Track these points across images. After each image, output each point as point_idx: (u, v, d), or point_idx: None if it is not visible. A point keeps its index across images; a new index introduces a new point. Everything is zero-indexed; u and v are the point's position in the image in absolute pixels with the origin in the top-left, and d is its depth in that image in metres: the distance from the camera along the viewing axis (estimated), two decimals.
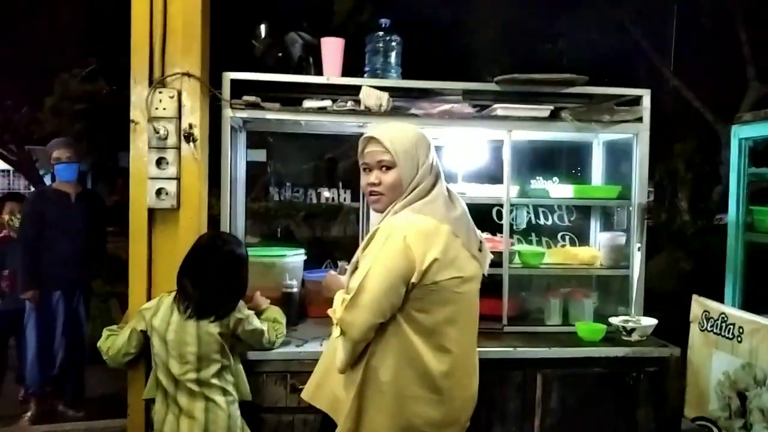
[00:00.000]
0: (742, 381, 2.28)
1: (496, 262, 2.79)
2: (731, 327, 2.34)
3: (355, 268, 1.92)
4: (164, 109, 2.38)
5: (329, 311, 1.92)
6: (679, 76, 7.76)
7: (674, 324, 2.73)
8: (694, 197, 7.68)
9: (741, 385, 2.29)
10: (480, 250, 2.01)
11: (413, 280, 1.80)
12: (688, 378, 2.55)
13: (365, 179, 2.00)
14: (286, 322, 2.57)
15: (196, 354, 2.24)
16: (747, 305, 2.86)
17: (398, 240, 1.81)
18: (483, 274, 2.05)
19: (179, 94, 2.39)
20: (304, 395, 2.08)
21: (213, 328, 2.25)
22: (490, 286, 2.93)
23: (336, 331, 1.85)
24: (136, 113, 2.39)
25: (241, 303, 2.36)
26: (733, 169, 3.08)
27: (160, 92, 2.38)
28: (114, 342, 2.36)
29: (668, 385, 2.56)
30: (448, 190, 2.00)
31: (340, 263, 2.66)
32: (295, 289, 2.81)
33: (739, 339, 2.30)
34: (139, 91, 2.38)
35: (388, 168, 1.93)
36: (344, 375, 1.91)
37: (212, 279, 2.26)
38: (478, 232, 2.05)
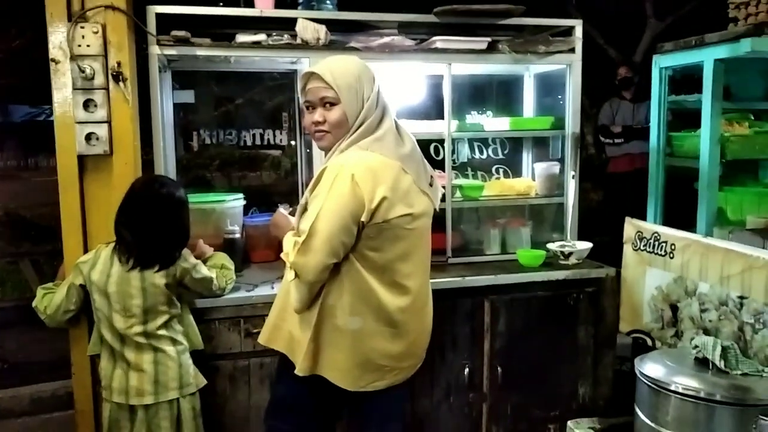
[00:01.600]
0: (674, 293, 2.46)
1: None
2: (664, 245, 2.49)
3: (304, 209, 1.88)
4: (88, 45, 2.18)
5: (282, 255, 1.88)
6: (583, 13, 7.99)
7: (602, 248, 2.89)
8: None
9: (673, 297, 2.46)
10: (431, 185, 2.01)
11: (363, 219, 1.79)
12: (622, 295, 2.71)
13: (309, 118, 1.94)
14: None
15: (141, 307, 2.14)
16: (666, 225, 3.05)
17: (346, 179, 1.78)
18: (435, 209, 2.06)
19: (104, 28, 2.20)
20: (260, 339, 2.06)
21: (158, 279, 2.15)
22: (433, 221, 2.99)
23: (290, 274, 1.84)
24: (56, 51, 2.18)
25: (186, 251, 2.26)
26: (654, 97, 3.24)
27: (81, 27, 2.17)
28: (51, 300, 2.21)
29: (605, 303, 2.73)
30: (397, 125, 1.97)
31: (280, 206, 2.60)
32: (237, 235, 2.72)
33: (671, 255, 2.46)
34: (57, 27, 2.17)
35: (332, 104, 1.88)
36: (300, 315, 1.90)
37: (152, 225, 2.14)
38: (429, 167, 2.04)
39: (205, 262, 2.38)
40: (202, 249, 2.49)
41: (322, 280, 1.84)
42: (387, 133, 1.90)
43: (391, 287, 1.89)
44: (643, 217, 2.74)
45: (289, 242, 1.89)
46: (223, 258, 2.47)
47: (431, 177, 2.02)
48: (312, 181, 1.89)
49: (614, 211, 5.68)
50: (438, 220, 2.85)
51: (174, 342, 2.20)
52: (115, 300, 2.13)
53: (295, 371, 1.90)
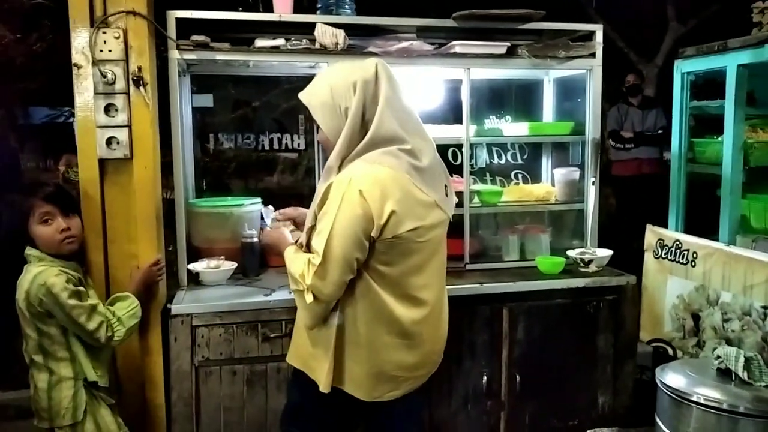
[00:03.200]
0: (695, 302, 2.42)
1: (456, 203, 2.81)
2: (685, 253, 2.46)
3: (312, 225, 1.85)
4: (110, 51, 2.19)
5: (297, 276, 1.81)
6: (603, 16, 7.92)
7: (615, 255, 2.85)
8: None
9: (695, 306, 2.43)
10: (446, 195, 1.96)
11: (373, 234, 1.75)
12: (643, 304, 2.69)
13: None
14: (245, 271, 2.46)
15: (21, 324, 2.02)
16: (688, 233, 3.02)
17: (354, 194, 1.73)
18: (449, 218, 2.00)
19: (125, 34, 2.21)
20: (287, 358, 2.06)
21: (21, 299, 1.97)
22: (451, 227, 2.98)
23: (308, 296, 1.79)
24: (79, 56, 2.19)
25: (59, 281, 1.94)
26: (676, 103, 3.21)
27: (104, 32, 2.19)
28: None
29: (625, 311, 2.69)
30: (421, 133, 1.89)
31: (265, 218, 2.54)
32: (254, 239, 2.73)
33: (693, 264, 2.43)
34: (79, 32, 2.18)
35: (319, 126, 1.87)
36: (315, 332, 1.89)
37: None
38: (447, 174, 1.99)
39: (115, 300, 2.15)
40: (139, 277, 2.25)
41: (338, 297, 1.83)
42: (400, 147, 1.80)
43: (405, 300, 1.86)
44: (657, 223, 2.70)
45: (297, 261, 1.85)
46: (126, 308, 2.11)
47: (445, 186, 1.96)
48: (318, 196, 1.84)
49: (624, 216, 5.71)
50: (456, 225, 2.84)
51: (49, 371, 2.01)
52: None
53: (320, 389, 1.87)
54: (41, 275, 1.95)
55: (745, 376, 1.92)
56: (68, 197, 2.11)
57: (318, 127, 1.88)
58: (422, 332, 1.91)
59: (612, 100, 6.54)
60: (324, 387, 1.87)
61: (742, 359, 1.94)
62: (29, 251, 2.02)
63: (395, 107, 1.83)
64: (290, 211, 2.31)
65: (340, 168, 1.83)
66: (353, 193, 1.73)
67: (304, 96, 1.87)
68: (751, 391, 1.88)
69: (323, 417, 1.99)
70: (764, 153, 3.01)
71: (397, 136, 1.80)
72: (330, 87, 1.82)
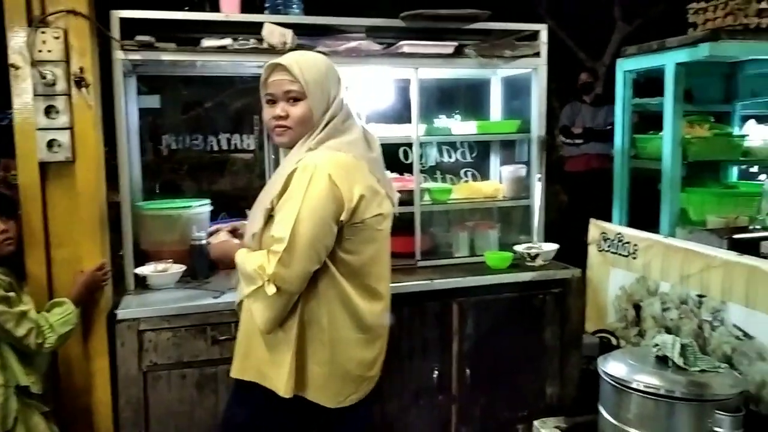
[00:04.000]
0: (637, 293, 2.50)
1: (407, 201, 2.85)
2: (627, 245, 2.53)
3: (269, 215, 1.79)
4: (49, 51, 2.15)
5: (254, 270, 1.72)
6: (553, 17, 8.09)
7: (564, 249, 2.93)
8: None
9: (636, 297, 2.50)
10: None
11: (343, 218, 1.73)
12: (587, 296, 2.75)
13: (269, 111, 1.83)
14: (194, 274, 2.44)
15: None
16: (631, 226, 3.11)
17: (323, 178, 1.70)
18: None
19: (65, 33, 2.17)
20: (232, 373, 1.90)
21: None
22: (402, 224, 3.01)
23: (270, 288, 1.69)
24: (16, 57, 2.14)
25: None
26: (618, 101, 3.30)
27: (42, 32, 2.14)
28: None
29: (570, 303, 2.77)
30: (364, 129, 1.94)
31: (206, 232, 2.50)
32: (203, 241, 2.70)
33: (634, 256, 2.50)
34: (16, 32, 2.13)
35: (297, 99, 1.78)
36: (271, 336, 1.79)
37: None
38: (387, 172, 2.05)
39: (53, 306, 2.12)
40: (80, 282, 2.20)
41: (301, 290, 1.75)
42: (357, 136, 1.86)
43: (365, 292, 1.84)
44: (604, 217, 2.78)
45: (252, 257, 1.77)
46: (59, 315, 2.08)
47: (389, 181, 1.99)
48: (277, 183, 1.77)
49: (575, 211, 5.87)
50: (407, 223, 2.89)
51: None
52: None
53: (281, 394, 1.77)
54: None
55: (681, 362, 1.99)
56: (6, 200, 2.08)
57: (294, 99, 1.79)
58: (378, 326, 1.90)
59: (564, 97, 6.70)
60: (285, 392, 1.76)
61: (678, 346, 2.01)
62: None
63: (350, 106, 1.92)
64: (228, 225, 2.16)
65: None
66: (322, 176, 1.70)
67: (293, 67, 1.77)
68: (686, 376, 1.94)
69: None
70: (702, 148, 3.13)
71: (359, 129, 1.88)
72: (326, 69, 1.83)
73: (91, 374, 2.29)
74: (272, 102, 1.83)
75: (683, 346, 2.02)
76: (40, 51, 2.14)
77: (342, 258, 1.79)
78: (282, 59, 1.80)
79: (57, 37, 2.15)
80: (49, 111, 2.18)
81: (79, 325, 2.22)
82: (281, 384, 1.77)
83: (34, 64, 2.14)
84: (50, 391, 2.17)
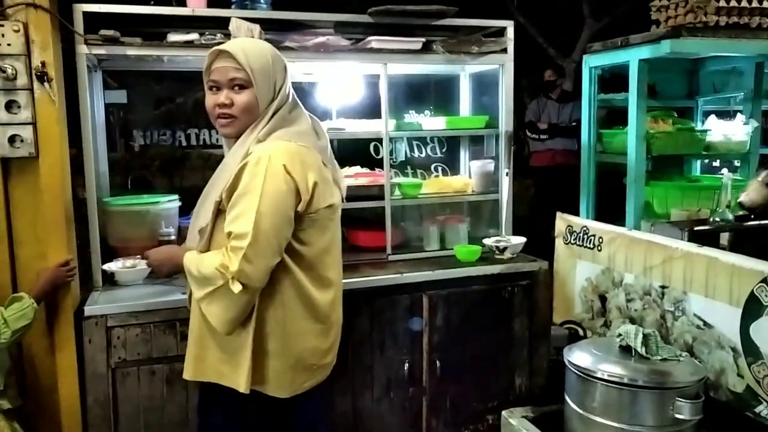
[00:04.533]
0: (602, 284, 2.56)
1: (378, 195, 2.87)
2: (592, 238, 2.59)
3: (218, 210, 1.76)
4: (9, 45, 2.11)
5: (214, 271, 1.69)
6: (523, 13, 8.16)
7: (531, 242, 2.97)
8: None
9: (602, 288, 2.56)
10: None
11: (299, 209, 1.74)
12: (555, 288, 2.81)
13: (212, 99, 1.78)
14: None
15: None
16: (598, 219, 3.17)
17: (279, 170, 1.68)
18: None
19: (25, 27, 2.13)
20: (186, 376, 1.89)
21: None
22: (373, 219, 3.03)
23: (236, 286, 1.67)
24: None
25: None
26: (585, 96, 3.36)
27: (1, 25, 2.10)
28: None
29: (538, 295, 2.81)
30: (312, 119, 1.92)
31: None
32: (172, 237, 2.69)
33: (599, 248, 2.56)
34: None
35: (242, 87, 1.74)
36: (227, 336, 1.77)
37: None
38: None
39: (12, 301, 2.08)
40: (43, 277, 2.16)
41: (265, 284, 1.73)
42: (306, 126, 1.86)
43: (319, 282, 1.85)
44: (570, 211, 2.83)
45: (207, 258, 1.74)
46: (16, 310, 2.03)
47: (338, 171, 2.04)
48: (225, 177, 1.74)
49: (542, 205, 5.95)
50: (378, 217, 2.91)
51: None
52: None
53: (242, 390, 1.77)
54: None
55: (643, 351, 2.04)
56: None
57: (239, 86, 1.75)
58: (331, 314, 1.91)
59: (533, 93, 6.79)
60: (245, 388, 1.77)
61: (640, 336, 2.07)
62: None
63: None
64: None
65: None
66: (277, 168, 1.68)
67: (239, 54, 1.73)
68: (648, 365, 2.00)
69: (250, 427, 1.90)
70: (665, 142, 3.20)
71: (307, 120, 1.89)
72: (272, 58, 1.81)
73: (58, 372, 2.25)
74: (216, 89, 1.78)
75: (645, 336, 2.07)
76: None
77: (296, 249, 1.79)
78: (227, 45, 1.77)
79: (17, 30, 2.11)
80: (10, 106, 2.14)
81: (42, 321, 2.21)
82: (242, 381, 1.78)
83: None
84: (16, 389, 2.14)
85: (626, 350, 2.10)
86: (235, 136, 1.80)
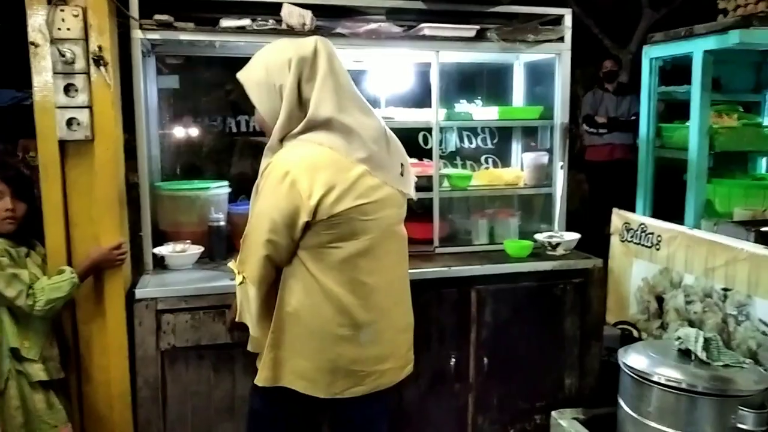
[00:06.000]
0: (659, 285, 2.46)
1: (426, 187, 2.82)
2: (650, 236, 2.49)
3: None
4: (68, 29, 2.13)
5: (230, 264, 1.88)
6: (578, 2, 7.96)
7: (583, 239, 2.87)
8: None
9: (659, 288, 2.46)
10: (402, 174, 1.85)
11: (305, 219, 1.66)
12: (609, 287, 2.72)
13: None
14: (212, 255, 2.48)
15: None
16: (655, 217, 3.06)
17: (279, 175, 1.65)
18: (410, 198, 1.92)
19: (84, 12, 2.15)
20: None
21: None
22: (420, 211, 2.98)
23: (238, 278, 1.80)
24: (36, 35, 2.12)
25: None
26: (644, 88, 3.23)
27: (62, 10, 2.12)
28: None
29: (591, 294, 2.72)
30: (365, 107, 1.80)
31: None
32: (222, 223, 2.70)
33: (658, 247, 2.46)
34: (36, 9, 2.12)
35: (255, 106, 1.79)
36: (256, 321, 1.81)
37: None
38: (401, 154, 1.89)
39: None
40: (99, 254, 2.22)
41: (267, 280, 1.76)
42: (332, 122, 1.71)
43: (353, 285, 1.76)
44: (625, 208, 2.73)
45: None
46: (55, 281, 2.10)
47: (401, 165, 1.86)
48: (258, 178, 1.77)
49: (596, 201, 5.79)
50: (425, 209, 2.86)
51: None
52: None
53: (255, 381, 1.82)
54: None
55: (703, 356, 1.95)
56: (24, 181, 2.16)
57: (253, 106, 1.79)
58: (376, 321, 1.80)
59: (587, 85, 6.60)
60: (260, 380, 1.80)
61: (701, 340, 1.97)
62: None
63: (335, 85, 1.73)
64: None
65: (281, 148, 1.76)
66: (279, 174, 1.66)
67: (240, 75, 1.78)
68: (709, 371, 1.91)
69: (276, 418, 1.90)
70: (729, 138, 3.06)
71: (337, 115, 1.71)
72: (265, 65, 1.74)
73: (109, 352, 2.29)
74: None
75: (707, 340, 1.98)
76: (59, 29, 2.13)
77: (321, 252, 1.73)
78: (238, 73, 1.81)
79: (76, 15, 2.14)
80: (68, 89, 2.17)
81: (94, 301, 2.27)
82: (261, 374, 1.82)
83: (54, 42, 2.12)
84: (57, 362, 2.20)
85: (685, 354, 2.01)
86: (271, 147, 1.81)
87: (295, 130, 1.72)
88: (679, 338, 2.02)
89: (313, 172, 1.66)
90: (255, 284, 1.76)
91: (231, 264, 1.87)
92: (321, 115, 1.70)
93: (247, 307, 1.81)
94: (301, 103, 1.73)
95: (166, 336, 2.31)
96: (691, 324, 2.29)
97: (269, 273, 1.76)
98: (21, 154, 3.82)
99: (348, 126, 1.71)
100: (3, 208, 2.08)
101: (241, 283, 1.80)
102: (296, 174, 1.64)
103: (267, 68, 1.74)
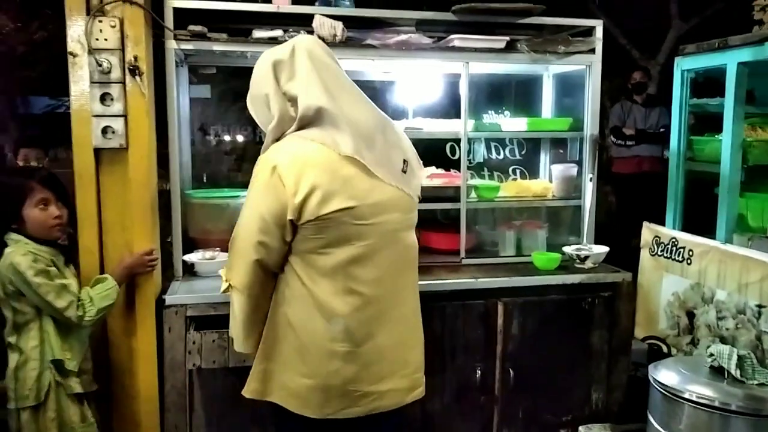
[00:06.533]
0: (690, 300, 2.42)
1: (453, 197, 2.82)
2: (681, 250, 2.45)
3: None
4: (106, 39, 2.19)
5: (220, 271, 1.83)
6: (605, 13, 7.89)
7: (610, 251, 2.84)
8: None
9: (690, 304, 2.42)
10: (404, 171, 1.73)
11: (290, 217, 1.57)
12: (638, 301, 2.68)
13: None
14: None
15: None
16: (686, 230, 3.01)
17: (266, 172, 1.60)
18: (415, 199, 1.80)
19: (121, 23, 2.20)
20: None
21: None
22: (446, 221, 2.98)
23: (223, 285, 1.73)
24: (75, 45, 2.18)
25: (21, 260, 1.96)
26: (676, 101, 3.19)
27: (99, 21, 2.18)
28: None
29: (620, 308, 2.69)
30: (361, 99, 1.73)
31: None
32: None
33: (689, 261, 2.42)
34: (75, 20, 2.17)
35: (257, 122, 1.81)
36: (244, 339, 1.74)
37: None
38: (410, 152, 1.80)
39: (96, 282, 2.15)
40: (133, 260, 2.24)
41: (254, 287, 1.67)
42: (324, 119, 1.64)
43: (348, 296, 1.64)
44: (654, 221, 2.69)
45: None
46: (101, 290, 2.10)
47: (405, 162, 1.74)
48: None
49: (623, 213, 5.71)
50: (451, 219, 2.86)
51: (19, 351, 2.03)
52: None
53: (242, 391, 1.76)
54: (9, 256, 1.98)
55: (737, 374, 1.92)
56: (63, 187, 2.14)
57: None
58: (374, 335, 1.68)
59: (614, 96, 6.53)
60: (247, 391, 1.75)
61: (735, 357, 1.94)
62: (9, 236, 2.03)
63: (321, 78, 1.67)
64: None
65: None
66: (265, 171, 1.61)
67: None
68: (743, 389, 1.88)
69: None
70: (763, 152, 2.99)
71: (327, 105, 1.64)
72: (253, 80, 1.76)
73: (137, 357, 2.32)
74: None
75: (741, 358, 1.94)
76: (96, 39, 2.18)
77: (312, 258, 1.64)
78: None
79: (113, 26, 2.19)
80: (104, 98, 2.22)
81: (123, 306, 2.29)
82: (249, 386, 1.76)
83: (91, 52, 2.18)
84: (91, 375, 2.21)
85: (718, 372, 1.98)
86: None
87: (289, 130, 1.67)
88: (711, 355, 1.99)
89: (301, 167, 1.58)
90: (242, 291, 1.67)
91: (221, 271, 1.79)
92: (310, 106, 1.63)
93: (232, 317, 1.72)
94: (292, 103, 1.68)
95: (192, 357, 2.29)
96: (723, 341, 2.25)
97: (259, 279, 1.66)
98: (22, 162, 3.85)
99: (340, 117, 1.64)
100: (51, 215, 2.05)
101: (225, 291, 1.73)
102: (281, 169, 1.58)
103: (255, 82, 1.76)
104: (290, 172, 1.57)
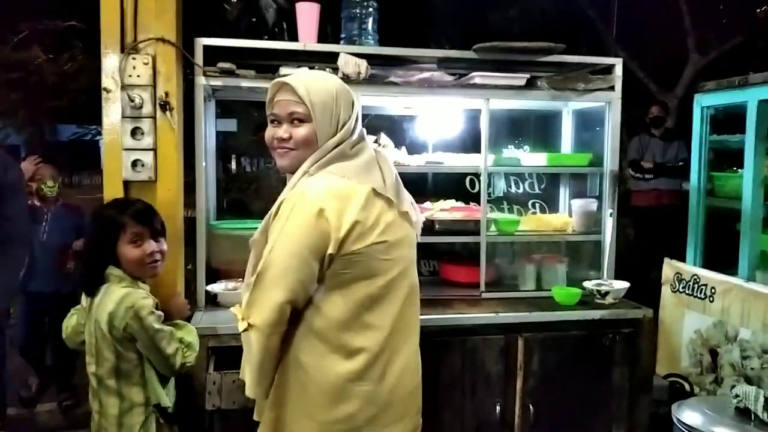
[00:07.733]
0: (713, 338, 2.40)
1: (473, 231, 2.84)
2: (703, 287, 2.45)
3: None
4: (138, 76, 2.26)
5: (232, 309, 1.66)
6: (623, 47, 7.96)
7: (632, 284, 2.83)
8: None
9: (712, 342, 2.41)
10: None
11: (330, 251, 1.54)
12: (659, 338, 2.67)
13: (272, 132, 1.68)
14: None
15: (92, 344, 1.99)
16: (707, 266, 2.99)
17: (307, 206, 1.54)
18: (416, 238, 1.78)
19: (154, 60, 2.28)
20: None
21: (102, 318, 1.93)
22: (466, 254, 2.99)
23: (241, 324, 1.58)
24: (108, 81, 2.26)
25: (144, 303, 1.93)
26: (695, 137, 3.20)
27: (133, 58, 2.26)
28: (69, 321, 2.15)
29: (641, 345, 2.67)
30: (376, 152, 1.74)
31: None
32: None
33: (711, 299, 2.41)
34: (110, 57, 2.25)
35: (301, 121, 1.63)
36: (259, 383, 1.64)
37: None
38: (408, 196, 1.78)
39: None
40: (177, 306, 2.21)
41: (279, 325, 1.57)
42: (364, 161, 1.66)
43: (369, 330, 1.62)
44: (673, 256, 2.69)
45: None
46: (190, 333, 2.10)
47: (411, 204, 1.77)
48: (268, 215, 1.65)
49: (642, 247, 5.69)
50: (471, 253, 2.87)
51: (120, 397, 1.98)
52: (87, 331, 2.03)
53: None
54: (128, 298, 1.92)
55: (765, 416, 1.90)
56: (158, 219, 2.10)
57: (298, 120, 1.64)
58: (389, 373, 1.65)
59: (631, 129, 6.55)
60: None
61: (762, 399, 1.92)
62: (111, 270, 1.98)
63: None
64: None
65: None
66: (307, 204, 1.55)
67: (299, 88, 1.63)
68: None
69: None
70: None
71: (361, 152, 1.67)
72: (335, 91, 1.66)
73: None
74: (277, 122, 1.69)
75: (767, 400, 1.92)
76: (129, 76, 2.26)
77: (334, 296, 1.60)
78: (289, 78, 1.66)
79: (146, 63, 2.26)
80: (135, 132, 2.28)
81: None
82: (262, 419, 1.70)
83: (124, 87, 2.25)
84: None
85: (744, 413, 1.96)
86: (291, 170, 1.69)
87: (322, 161, 1.63)
88: (737, 396, 1.97)
89: (342, 202, 1.56)
90: (264, 331, 1.56)
91: (234, 309, 1.66)
92: (360, 155, 1.67)
93: (249, 361, 1.60)
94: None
95: (212, 397, 2.27)
96: (748, 380, 2.23)
97: (284, 318, 1.57)
98: (36, 184, 3.87)
99: (375, 164, 1.67)
100: (146, 252, 1.98)
101: (245, 331, 1.59)
102: (326, 205, 1.54)
103: (337, 96, 1.66)
104: (332, 207, 1.55)
